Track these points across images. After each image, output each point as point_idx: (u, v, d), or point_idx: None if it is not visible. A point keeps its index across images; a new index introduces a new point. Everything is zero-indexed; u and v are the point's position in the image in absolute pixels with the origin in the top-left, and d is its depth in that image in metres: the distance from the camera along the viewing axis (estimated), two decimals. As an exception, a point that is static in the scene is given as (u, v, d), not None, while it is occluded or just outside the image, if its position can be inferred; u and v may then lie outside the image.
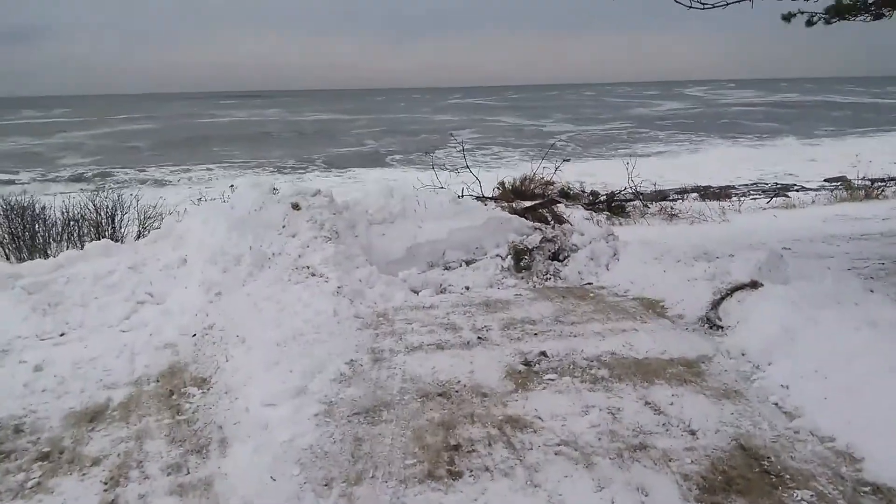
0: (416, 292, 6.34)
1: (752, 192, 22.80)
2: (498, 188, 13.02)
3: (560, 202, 11.34)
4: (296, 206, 6.60)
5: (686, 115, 61.32)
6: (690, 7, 6.48)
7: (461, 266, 6.97)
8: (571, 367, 4.05)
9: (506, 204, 11.56)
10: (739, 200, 11.92)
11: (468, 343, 4.56)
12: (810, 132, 43.31)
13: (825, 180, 25.42)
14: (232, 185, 8.58)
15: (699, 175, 28.10)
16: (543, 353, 4.25)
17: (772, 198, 12.70)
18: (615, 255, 7.02)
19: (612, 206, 11.71)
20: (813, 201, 12.23)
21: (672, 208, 11.13)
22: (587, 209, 11.75)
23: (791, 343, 3.79)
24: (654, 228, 10.35)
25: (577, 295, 5.85)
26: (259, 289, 5.63)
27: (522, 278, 6.79)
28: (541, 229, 7.46)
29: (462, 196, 9.23)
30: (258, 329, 4.80)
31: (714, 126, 47.94)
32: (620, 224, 10.96)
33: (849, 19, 8.95)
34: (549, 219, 11.15)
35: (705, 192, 20.59)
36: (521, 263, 6.87)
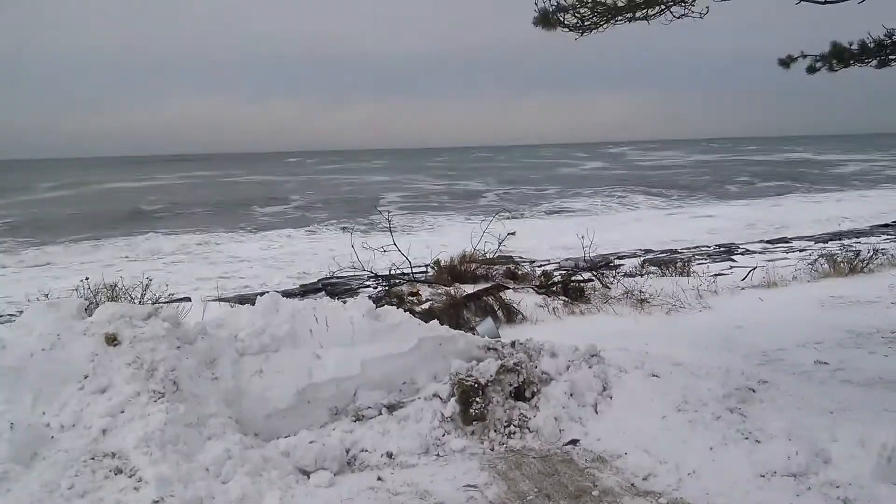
0: (307, 474, 3.86)
1: (696, 257, 21.36)
2: (432, 268, 10.70)
3: (508, 287, 9.10)
4: (112, 340, 4.05)
5: (610, 175, 61.29)
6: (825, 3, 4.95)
7: (381, 413, 4.54)
8: None
9: (443, 290, 9.25)
10: (713, 279, 9.98)
11: None
12: (727, 191, 43.36)
13: (766, 241, 24.34)
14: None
15: (634, 235, 26.78)
16: None
17: (749, 272, 10.81)
18: (605, 389, 4.74)
19: (569, 288, 9.55)
20: (794, 277, 10.42)
21: (641, 292, 9.04)
22: (539, 293, 9.54)
23: None
24: (627, 320, 8.18)
25: (570, 489, 3.47)
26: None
27: (473, 433, 4.41)
28: (496, 349, 5.11)
29: (382, 300, 6.90)
30: None
31: (638, 186, 47.54)
32: (582, 313, 8.76)
33: (852, 66, 7.40)
34: (497, 308, 8.90)
35: (656, 261, 18.90)
36: (472, 410, 4.48)
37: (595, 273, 10.54)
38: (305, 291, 18.70)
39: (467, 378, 4.65)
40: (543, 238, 25.93)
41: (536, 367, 4.92)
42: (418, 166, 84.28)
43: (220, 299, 13.16)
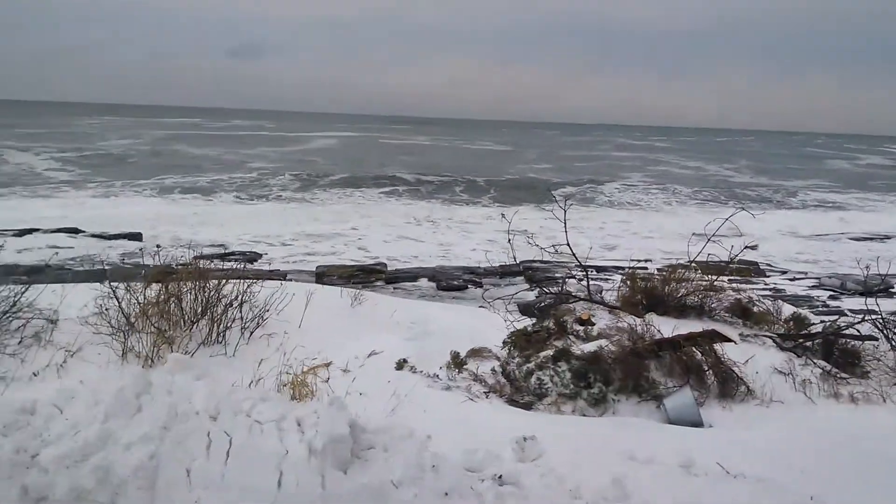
0: None
1: None
2: (625, 283, 7.33)
3: (729, 338, 5.52)
4: None
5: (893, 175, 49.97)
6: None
7: None
8: None
9: (628, 324, 6.00)
10: None
11: None
12: None
13: None
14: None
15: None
16: None
17: None
18: None
19: (833, 347, 5.75)
20: None
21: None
22: (784, 348, 5.87)
23: None
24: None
25: None
26: None
27: None
28: None
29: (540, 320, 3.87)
30: None
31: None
32: (853, 398, 5.02)
33: None
34: (706, 367, 5.46)
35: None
36: None
37: (878, 323, 6.45)
38: (504, 273, 16.20)
39: None
40: (798, 244, 20.46)
41: None
42: (666, 147, 77.18)
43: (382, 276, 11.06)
